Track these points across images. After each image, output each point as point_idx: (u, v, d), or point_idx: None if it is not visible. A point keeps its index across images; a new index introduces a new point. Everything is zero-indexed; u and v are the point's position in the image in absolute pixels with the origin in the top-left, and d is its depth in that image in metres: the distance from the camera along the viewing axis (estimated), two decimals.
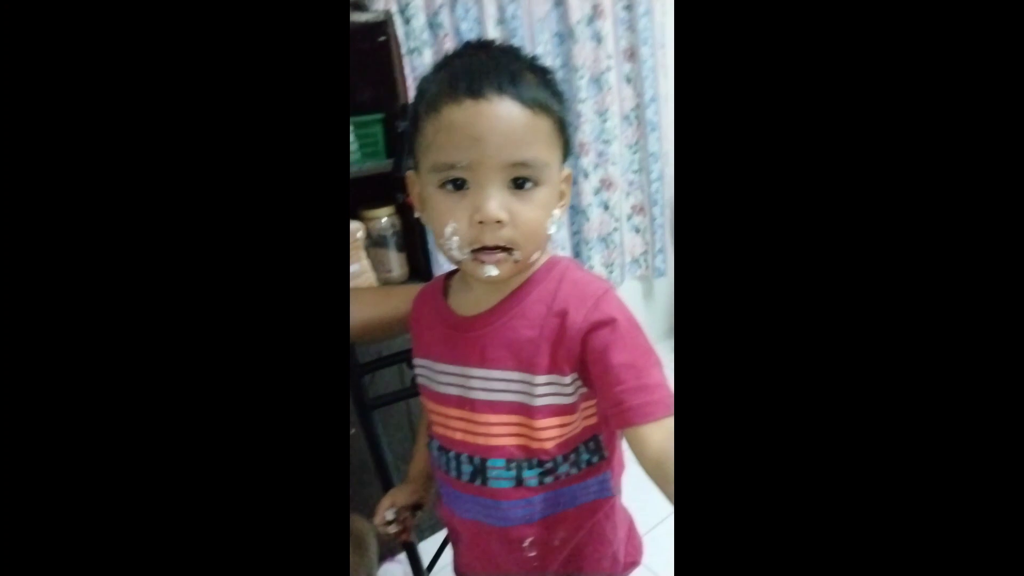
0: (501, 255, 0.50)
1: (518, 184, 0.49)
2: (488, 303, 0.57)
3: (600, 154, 1.83)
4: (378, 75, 1.25)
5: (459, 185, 0.49)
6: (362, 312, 0.71)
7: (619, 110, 1.83)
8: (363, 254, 1.35)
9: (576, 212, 1.86)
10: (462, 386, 0.58)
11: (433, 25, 1.43)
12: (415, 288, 0.77)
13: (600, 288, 0.54)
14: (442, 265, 1.43)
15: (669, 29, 1.84)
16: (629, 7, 1.76)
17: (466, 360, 0.57)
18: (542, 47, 1.65)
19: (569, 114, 0.52)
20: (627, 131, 1.89)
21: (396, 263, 1.43)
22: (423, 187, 0.52)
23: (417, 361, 0.63)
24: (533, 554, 0.59)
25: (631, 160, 1.94)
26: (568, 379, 0.54)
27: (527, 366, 0.55)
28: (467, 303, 0.58)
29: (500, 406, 0.56)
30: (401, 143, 1.03)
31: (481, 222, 0.48)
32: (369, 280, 1.37)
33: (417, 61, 1.40)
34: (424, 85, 0.52)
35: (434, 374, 0.60)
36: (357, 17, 1.15)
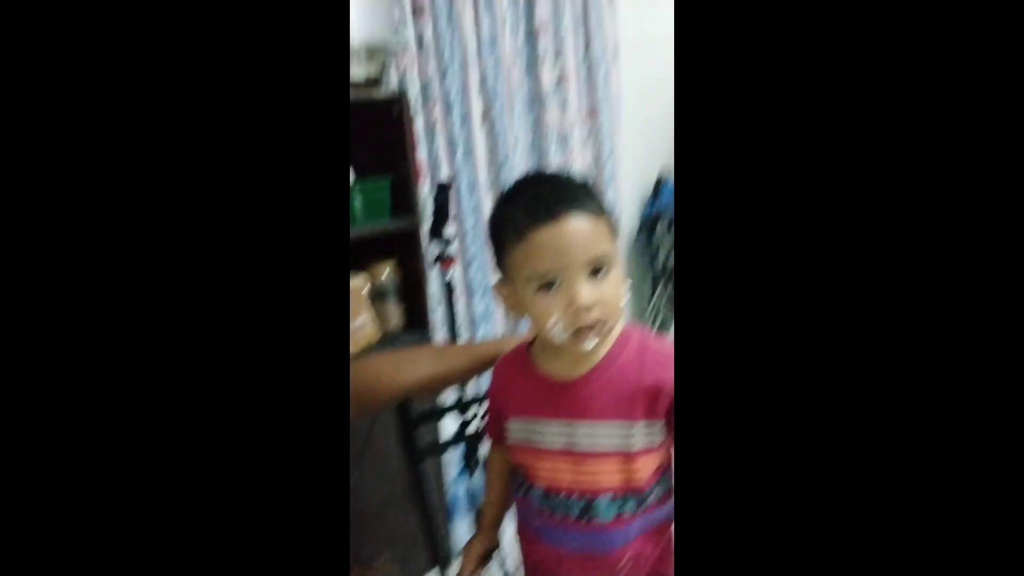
0: (594, 331, 0.65)
1: (596, 272, 0.64)
2: (585, 367, 0.71)
3: None
4: (388, 142, 1.35)
5: (551, 286, 0.63)
6: (422, 370, 0.84)
7: (581, 164, 2.02)
8: (366, 308, 1.43)
9: None
10: (569, 437, 0.71)
11: (427, 92, 1.55)
12: (464, 346, 0.92)
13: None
14: (437, 316, 1.53)
15: (625, 91, 2.07)
16: (589, 75, 1.97)
17: (571, 415, 0.71)
18: (518, 108, 1.81)
19: (613, 216, 0.70)
20: None
21: (395, 314, 1.51)
22: (522, 294, 0.66)
23: (513, 423, 0.76)
24: (627, 570, 0.72)
25: None
26: (659, 424, 0.69)
27: (626, 415, 0.69)
28: (562, 368, 0.72)
29: (604, 452, 0.70)
30: (437, 213, 1.16)
31: (577, 310, 0.63)
32: (372, 331, 1.45)
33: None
34: (504, 215, 0.67)
35: (536, 431, 0.73)
36: (375, 94, 1.25)
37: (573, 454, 0.71)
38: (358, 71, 1.22)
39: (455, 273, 1.34)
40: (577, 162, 1.98)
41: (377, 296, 1.47)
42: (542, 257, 0.62)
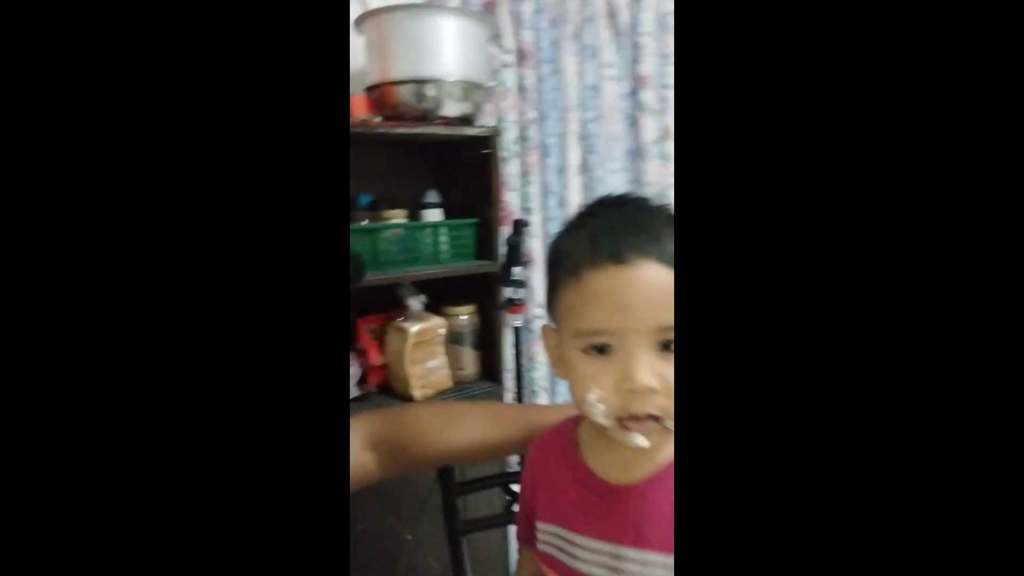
0: (652, 424, 0.48)
1: (668, 347, 0.47)
2: (642, 469, 0.53)
3: None
4: (476, 183, 1.32)
5: (604, 350, 0.48)
6: (471, 433, 0.70)
7: None
8: (442, 349, 1.37)
9: None
10: (611, 568, 0.52)
11: (524, 136, 1.53)
12: (525, 409, 0.76)
13: None
14: (510, 369, 1.44)
15: None
16: None
17: (618, 537, 0.52)
18: (616, 162, 1.74)
19: None
20: None
21: (470, 361, 1.44)
22: (565, 348, 0.51)
23: (544, 527, 0.58)
24: None
25: None
26: None
27: None
28: (613, 466, 0.54)
29: None
30: (510, 253, 1.07)
31: (631, 390, 0.47)
32: (445, 376, 1.38)
33: (506, 170, 1.49)
34: (562, 246, 0.51)
35: (570, 546, 0.55)
36: (466, 131, 1.23)
37: None
38: (452, 107, 1.21)
39: (527, 321, 1.24)
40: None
41: (453, 340, 1.41)
42: (597, 309, 0.47)
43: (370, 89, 1.20)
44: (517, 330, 1.20)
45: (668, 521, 0.49)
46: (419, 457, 0.70)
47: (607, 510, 0.53)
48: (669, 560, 0.51)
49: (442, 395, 1.35)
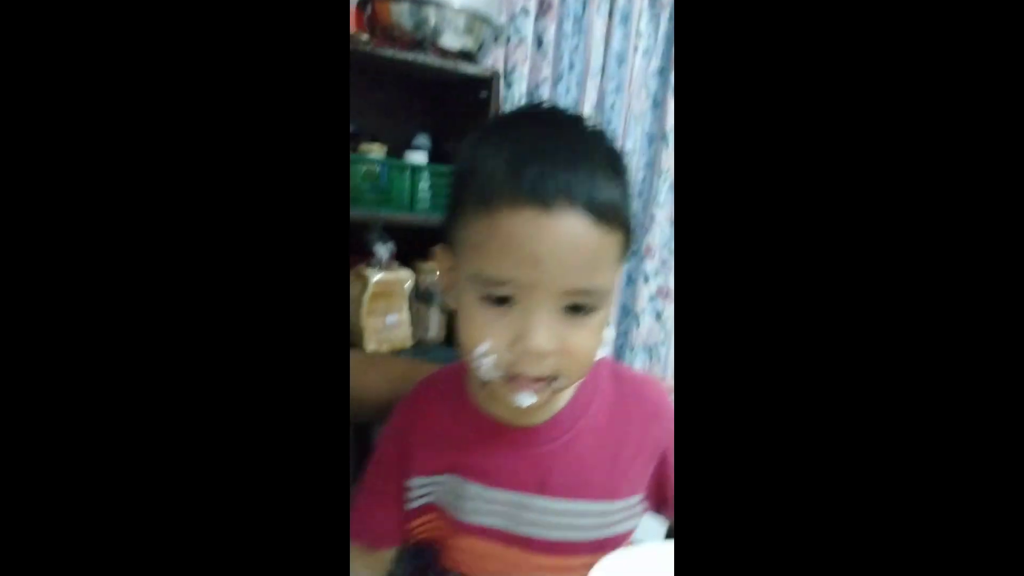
0: (539, 384, 0.43)
1: (573, 309, 0.41)
2: (544, 412, 0.48)
3: (664, 262, 1.74)
4: (470, 127, 1.21)
5: (503, 301, 0.41)
6: (383, 388, 0.61)
7: None
8: (406, 305, 1.26)
9: (627, 314, 1.76)
10: (511, 518, 0.48)
11: (532, 95, 1.41)
12: (415, 365, 0.67)
13: (667, 398, 0.51)
14: None
15: None
16: None
17: (520, 485, 0.48)
18: (631, 143, 1.61)
19: (634, 206, 0.44)
20: None
21: (436, 324, 1.33)
22: (459, 289, 0.43)
23: (430, 480, 0.51)
24: None
25: None
26: (638, 498, 0.50)
27: (605, 493, 0.47)
28: (511, 409, 0.47)
29: (564, 546, 0.47)
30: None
31: (523, 352, 0.41)
32: (405, 335, 1.27)
33: None
34: (474, 162, 0.42)
35: (466, 498, 0.49)
36: (465, 69, 1.12)
37: (515, 542, 0.48)
38: (453, 39, 1.09)
39: None
40: None
41: (421, 298, 1.30)
42: (507, 258, 0.39)
43: (363, 3, 1.09)
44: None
45: (577, 466, 0.48)
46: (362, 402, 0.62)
47: (507, 457, 0.49)
48: (572, 506, 0.48)
49: (400, 354, 1.25)
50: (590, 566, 0.43)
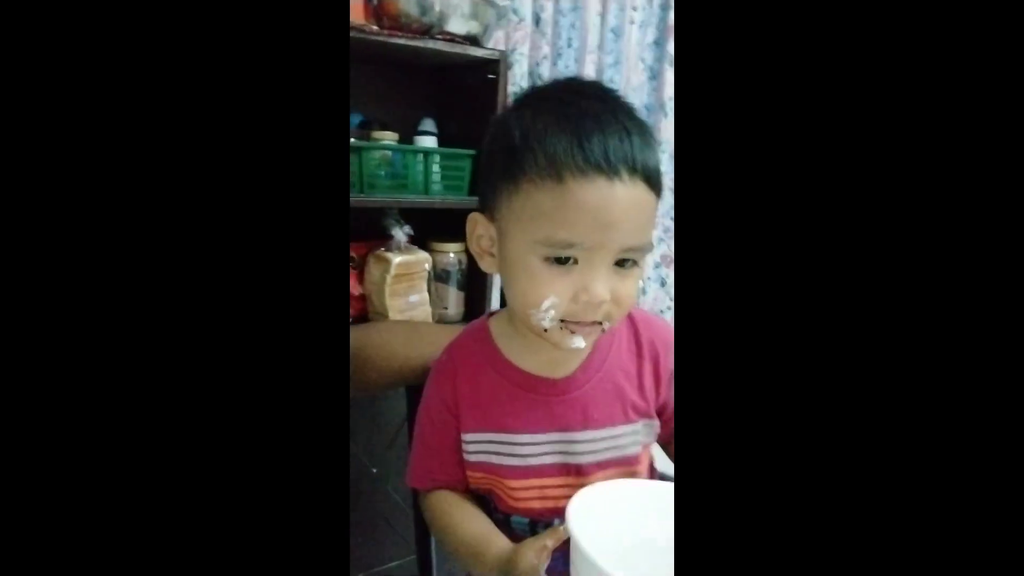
0: (592, 327, 0.48)
1: (622, 263, 0.47)
2: (574, 360, 0.55)
3: (666, 229, 1.79)
4: (478, 111, 1.24)
5: (564, 261, 0.46)
6: (432, 350, 0.63)
7: None
8: (425, 285, 1.31)
9: None
10: (564, 452, 0.55)
11: (532, 75, 1.44)
12: (444, 330, 0.73)
13: (670, 329, 0.57)
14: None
15: None
16: None
17: (567, 425, 0.54)
18: None
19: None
20: None
21: (454, 301, 1.38)
22: (516, 253, 0.47)
23: (481, 436, 0.55)
24: None
25: None
26: (655, 419, 0.57)
27: (632, 416, 0.55)
28: (543, 363, 0.55)
29: (610, 463, 0.55)
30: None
31: (587, 303, 0.46)
32: (425, 313, 1.32)
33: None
34: (533, 135, 0.45)
35: (518, 447, 0.54)
36: (473, 52, 1.15)
37: (571, 471, 0.55)
38: (458, 24, 1.12)
39: None
40: None
41: (439, 277, 1.35)
42: (580, 222, 0.43)
43: None
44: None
45: (608, 399, 0.55)
46: (384, 371, 0.69)
47: (551, 405, 0.54)
48: (613, 431, 0.55)
49: None
50: (628, 472, 0.54)
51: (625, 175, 0.44)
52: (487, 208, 0.50)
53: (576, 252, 0.45)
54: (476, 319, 0.61)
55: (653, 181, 0.46)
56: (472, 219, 0.52)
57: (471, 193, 1.29)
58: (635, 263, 0.47)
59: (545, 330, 0.48)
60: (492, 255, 0.51)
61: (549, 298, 0.46)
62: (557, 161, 0.44)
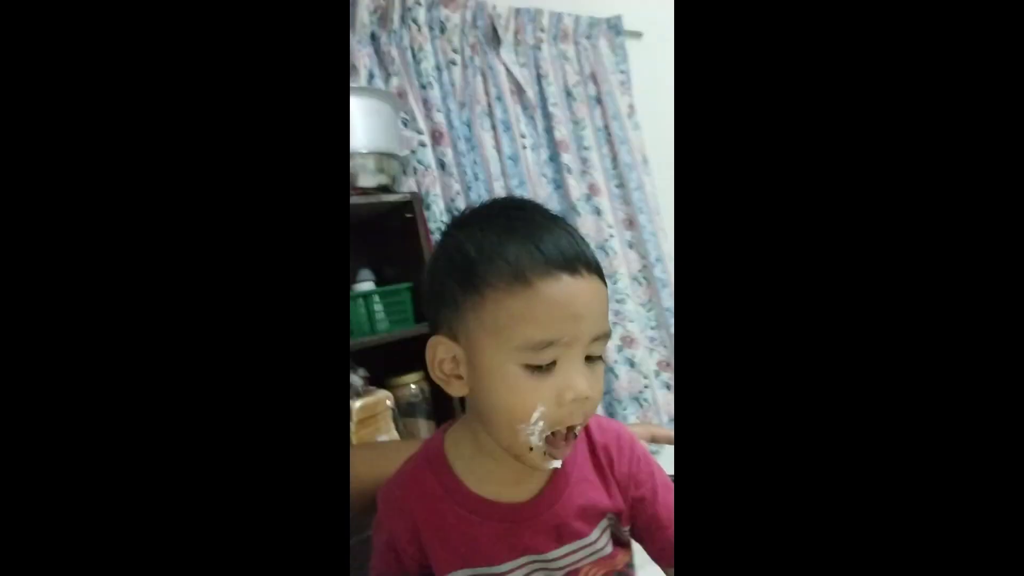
0: (569, 442, 0.48)
1: (589, 359, 0.48)
2: (539, 477, 0.54)
3: (616, 313, 1.87)
4: (405, 249, 1.34)
5: (543, 367, 0.46)
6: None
7: (627, 271, 1.92)
8: (392, 425, 1.31)
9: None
10: (543, 569, 0.54)
11: (450, 210, 1.58)
12: (406, 445, 0.70)
13: (626, 432, 0.58)
14: None
15: (661, 198, 2.02)
16: (621, 184, 1.96)
17: (540, 547, 0.53)
18: None
19: None
20: (638, 290, 1.97)
21: (426, 431, 1.37)
22: (494, 364, 0.47)
23: (464, 573, 0.54)
24: None
25: (647, 317, 1.98)
26: (615, 517, 0.57)
27: (598, 518, 0.55)
28: (506, 485, 0.53)
29: (587, 568, 0.56)
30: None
31: (573, 402, 0.46)
32: None
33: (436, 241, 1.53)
34: (485, 245, 0.48)
35: (501, 575, 0.54)
36: (388, 198, 1.28)
37: None
38: (368, 179, 1.26)
39: None
40: (622, 268, 1.89)
41: (405, 412, 1.35)
42: (552, 318, 0.45)
43: None
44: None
45: (576, 512, 0.54)
46: (354, 505, 0.64)
47: (521, 531, 0.53)
48: (587, 541, 0.54)
49: None
50: (612, 568, 0.55)
51: (582, 270, 0.47)
52: (446, 329, 0.50)
53: (555, 351, 0.46)
54: (431, 435, 0.59)
55: (600, 273, 0.50)
56: (432, 344, 0.51)
57: (418, 321, 1.35)
58: (599, 357, 0.49)
59: (531, 449, 0.47)
60: (460, 376, 0.50)
61: (538, 409, 0.46)
62: (521, 266, 0.46)
